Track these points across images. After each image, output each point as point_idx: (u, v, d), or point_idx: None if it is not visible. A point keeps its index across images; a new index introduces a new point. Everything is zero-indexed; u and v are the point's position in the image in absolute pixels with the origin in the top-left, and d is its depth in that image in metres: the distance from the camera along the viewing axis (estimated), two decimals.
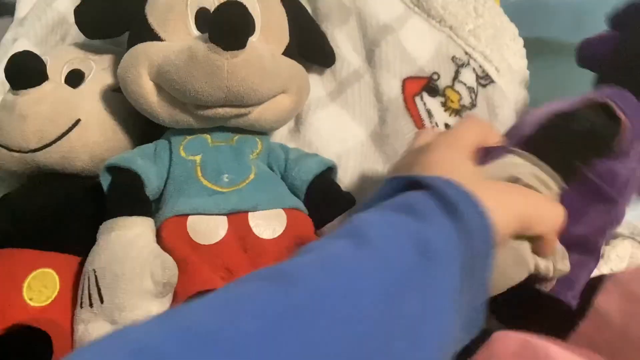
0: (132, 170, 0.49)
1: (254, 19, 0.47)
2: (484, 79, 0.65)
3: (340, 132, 0.61)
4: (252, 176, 0.51)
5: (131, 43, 0.52)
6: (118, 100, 0.54)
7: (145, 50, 0.50)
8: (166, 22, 0.51)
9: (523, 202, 0.36)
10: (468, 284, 0.31)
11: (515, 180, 0.39)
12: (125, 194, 0.49)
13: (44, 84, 0.50)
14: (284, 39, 0.56)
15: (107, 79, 0.56)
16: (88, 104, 0.52)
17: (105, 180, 0.49)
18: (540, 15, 1.13)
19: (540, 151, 0.41)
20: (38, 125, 0.49)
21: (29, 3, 0.69)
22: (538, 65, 0.75)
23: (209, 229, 0.48)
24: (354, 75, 0.64)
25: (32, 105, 0.49)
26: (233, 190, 0.50)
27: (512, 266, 0.39)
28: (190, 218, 0.48)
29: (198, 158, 0.52)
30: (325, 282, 0.26)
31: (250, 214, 0.50)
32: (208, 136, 0.54)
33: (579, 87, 0.95)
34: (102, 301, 0.42)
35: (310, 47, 0.60)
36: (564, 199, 0.41)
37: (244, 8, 0.45)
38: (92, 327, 0.42)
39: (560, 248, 0.40)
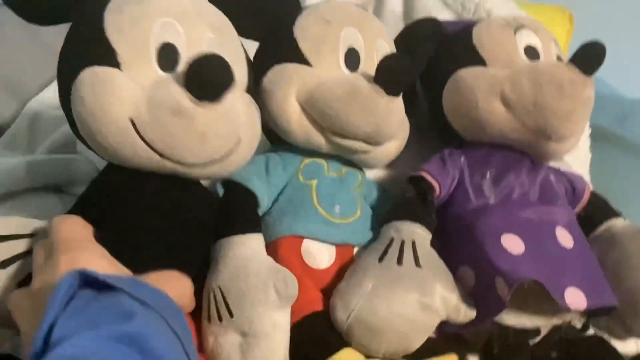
0: (249, 189, 0.50)
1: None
2: None
3: None
4: (359, 213, 0.54)
5: (276, 58, 0.54)
6: (257, 119, 0.50)
7: (298, 72, 0.52)
8: (319, 52, 0.53)
9: None
10: None
11: None
12: (242, 212, 0.50)
13: (227, 97, 0.43)
14: None
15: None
16: (244, 120, 0.47)
17: (220, 192, 0.51)
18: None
19: None
20: (215, 145, 0.44)
21: None
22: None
23: (320, 255, 0.51)
24: None
25: (214, 122, 0.42)
26: (343, 223, 0.52)
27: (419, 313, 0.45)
28: (305, 241, 0.51)
29: (314, 183, 0.53)
30: None
31: (355, 248, 0.53)
32: (325, 163, 0.56)
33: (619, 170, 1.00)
34: (231, 315, 0.42)
35: None
36: None
37: (410, 63, 0.49)
38: (223, 339, 0.42)
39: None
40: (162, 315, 0.33)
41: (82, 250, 0.38)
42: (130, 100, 0.40)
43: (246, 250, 0.46)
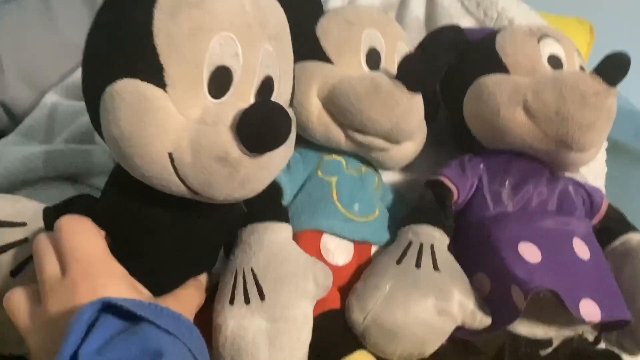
0: (276, 182, 0.51)
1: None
2: None
3: None
4: (377, 213, 0.55)
5: (297, 56, 0.52)
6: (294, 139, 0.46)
7: (319, 69, 0.53)
8: (341, 51, 0.54)
9: None
10: None
11: None
12: (273, 201, 0.49)
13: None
14: None
15: None
16: (283, 153, 0.42)
17: None
18: None
19: None
20: (252, 188, 0.40)
21: None
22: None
23: (339, 251, 0.51)
24: None
25: (257, 170, 0.38)
26: (363, 222, 0.53)
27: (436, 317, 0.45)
28: (324, 236, 0.51)
29: (334, 180, 0.54)
30: None
31: (373, 246, 0.53)
32: (343, 161, 0.56)
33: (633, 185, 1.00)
34: (262, 299, 0.42)
35: None
36: None
37: (432, 62, 0.50)
38: (248, 323, 0.41)
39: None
40: (186, 344, 0.33)
41: (103, 275, 0.38)
42: (173, 133, 0.35)
43: (281, 238, 0.46)
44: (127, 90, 0.35)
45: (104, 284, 0.37)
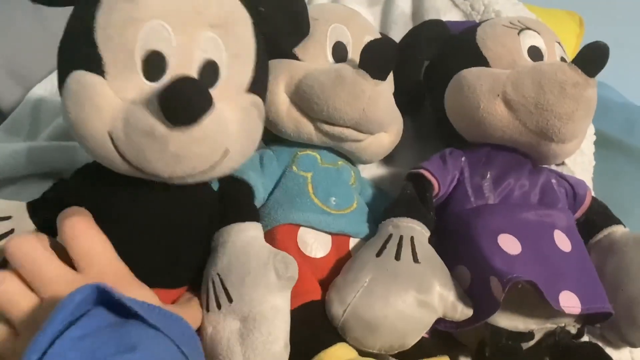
0: (245, 180, 0.51)
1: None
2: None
3: None
4: (354, 205, 0.55)
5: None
6: (255, 124, 0.47)
7: (285, 65, 0.53)
8: (306, 46, 0.55)
9: None
10: None
11: None
12: (239, 202, 0.50)
13: (205, 120, 0.39)
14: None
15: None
16: (235, 129, 0.44)
17: (215, 186, 0.51)
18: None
19: None
20: (191, 164, 0.41)
21: None
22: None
23: (316, 243, 0.51)
24: None
25: (189, 145, 0.39)
26: (339, 214, 0.53)
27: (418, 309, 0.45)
28: (301, 229, 0.51)
29: (309, 175, 0.54)
30: None
31: (351, 239, 0.53)
32: (317, 155, 0.56)
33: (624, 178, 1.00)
34: (230, 301, 0.42)
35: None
36: None
37: (393, 47, 0.50)
38: (222, 326, 0.42)
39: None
40: (175, 341, 0.33)
41: (111, 275, 0.40)
42: (109, 114, 0.39)
43: (245, 237, 0.46)
44: (74, 81, 0.40)
45: (126, 289, 0.37)
